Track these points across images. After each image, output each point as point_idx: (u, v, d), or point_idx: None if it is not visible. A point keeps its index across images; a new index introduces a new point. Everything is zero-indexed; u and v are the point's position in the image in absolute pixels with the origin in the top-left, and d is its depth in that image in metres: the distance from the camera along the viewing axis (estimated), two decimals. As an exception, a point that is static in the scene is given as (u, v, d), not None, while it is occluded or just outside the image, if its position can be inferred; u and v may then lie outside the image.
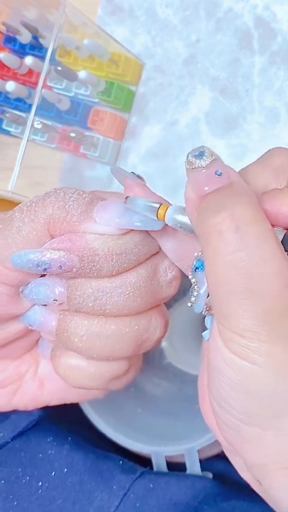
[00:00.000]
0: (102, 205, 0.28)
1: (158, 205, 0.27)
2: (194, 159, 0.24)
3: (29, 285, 0.30)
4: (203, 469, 0.45)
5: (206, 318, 0.27)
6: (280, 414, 0.23)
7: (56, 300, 0.29)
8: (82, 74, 0.50)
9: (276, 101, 0.51)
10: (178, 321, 0.51)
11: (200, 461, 0.45)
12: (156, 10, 0.54)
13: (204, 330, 0.27)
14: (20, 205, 0.29)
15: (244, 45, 0.52)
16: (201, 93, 0.53)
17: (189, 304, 0.27)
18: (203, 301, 0.26)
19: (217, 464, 0.47)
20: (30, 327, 0.32)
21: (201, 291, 0.26)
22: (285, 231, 0.24)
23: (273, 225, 0.25)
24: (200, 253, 0.26)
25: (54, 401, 0.35)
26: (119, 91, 0.53)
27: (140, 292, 0.29)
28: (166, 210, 0.27)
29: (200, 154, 0.24)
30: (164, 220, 0.27)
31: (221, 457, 0.47)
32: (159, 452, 0.45)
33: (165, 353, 0.54)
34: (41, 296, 0.30)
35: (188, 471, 0.44)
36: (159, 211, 0.27)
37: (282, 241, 0.24)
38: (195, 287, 0.27)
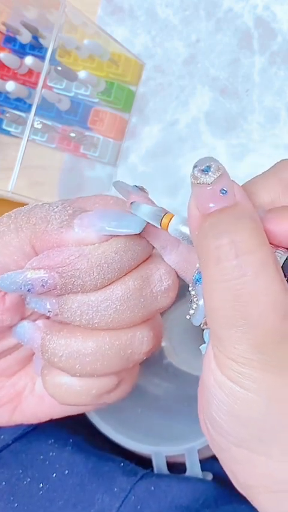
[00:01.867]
0: (84, 215, 0.28)
1: (162, 214, 0.26)
2: (199, 174, 0.23)
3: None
4: (203, 469, 0.45)
5: (204, 331, 0.26)
6: (269, 439, 0.23)
7: (51, 312, 0.29)
8: (82, 74, 0.50)
9: (276, 101, 0.51)
10: (178, 321, 0.51)
11: (200, 461, 0.45)
12: (156, 10, 0.54)
13: (203, 332, 0.27)
14: (10, 212, 0.29)
15: (244, 45, 0.52)
16: (201, 93, 0.53)
17: (187, 316, 0.27)
18: (201, 314, 0.26)
19: (217, 464, 0.47)
20: (22, 343, 0.32)
21: (200, 304, 0.26)
22: None
23: (276, 246, 0.24)
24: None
25: (56, 415, 0.35)
26: (119, 91, 0.53)
27: (129, 305, 0.28)
28: (170, 219, 0.26)
29: (206, 168, 0.23)
30: (167, 229, 0.26)
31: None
32: (159, 452, 0.45)
33: (165, 353, 0.54)
34: (38, 306, 0.30)
35: (188, 471, 0.44)
36: (163, 220, 0.26)
37: (283, 264, 0.23)
38: (195, 299, 0.26)
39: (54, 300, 0.29)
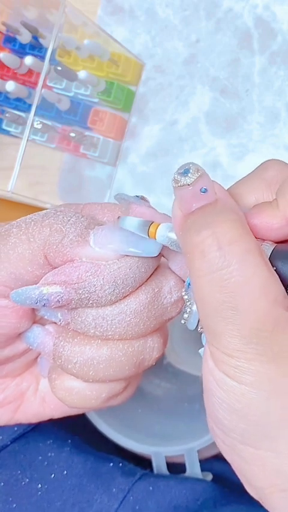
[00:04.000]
0: (99, 229, 0.28)
1: (149, 224, 0.26)
2: (179, 177, 0.23)
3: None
4: (202, 469, 0.45)
5: (202, 335, 0.26)
6: (274, 435, 0.23)
7: (62, 321, 0.30)
8: (82, 74, 0.50)
9: (276, 101, 0.51)
10: (178, 321, 0.51)
11: (200, 461, 0.45)
12: (156, 10, 0.54)
13: (201, 336, 0.27)
14: (18, 220, 0.29)
15: (244, 45, 0.52)
16: (201, 93, 0.53)
17: (182, 321, 0.27)
18: (195, 318, 0.26)
19: (217, 464, 0.47)
20: (31, 348, 0.32)
21: (194, 308, 0.26)
22: (274, 245, 0.24)
23: (262, 239, 0.24)
24: None
25: (57, 415, 0.35)
26: (119, 91, 0.53)
27: (142, 318, 0.28)
28: (157, 228, 0.26)
29: (185, 171, 0.23)
30: (155, 237, 0.26)
31: (221, 457, 0.47)
32: (159, 453, 0.45)
33: (165, 353, 0.54)
34: (49, 315, 0.30)
35: (188, 471, 0.44)
36: (150, 229, 0.26)
37: (271, 256, 0.23)
38: (188, 304, 0.27)
39: (66, 311, 0.29)
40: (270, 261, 0.23)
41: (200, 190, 0.23)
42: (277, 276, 0.23)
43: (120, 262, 0.28)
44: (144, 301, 0.29)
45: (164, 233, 0.26)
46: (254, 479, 0.24)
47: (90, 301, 0.28)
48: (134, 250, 0.27)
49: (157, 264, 0.30)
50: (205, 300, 0.23)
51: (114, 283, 0.27)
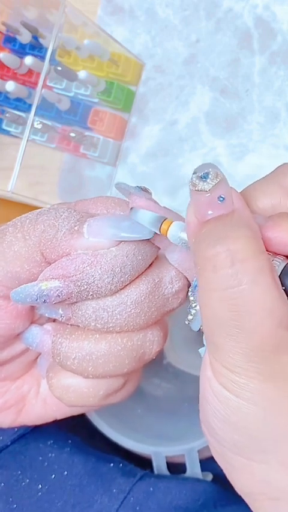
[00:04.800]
0: (92, 220, 0.28)
1: (162, 220, 0.26)
2: (197, 181, 0.23)
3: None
4: (203, 469, 0.45)
5: (204, 335, 0.26)
6: (266, 448, 0.23)
7: (63, 317, 0.29)
8: (82, 74, 0.50)
9: (276, 101, 0.51)
10: (178, 320, 0.51)
11: (200, 461, 0.45)
12: (156, 10, 0.54)
13: (203, 336, 0.27)
14: (14, 220, 0.29)
15: (244, 45, 0.52)
16: (201, 93, 0.53)
17: (186, 322, 0.27)
18: (200, 320, 0.26)
19: (217, 464, 0.47)
20: (30, 348, 0.32)
21: (199, 309, 0.26)
22: (286, 262, 0.24)
23: (274, 253, 0.24)
24: None
25: (59, 416, 0.35)
26: (119, 91, 0.53)
27: (142, 308, 0.28)
28: (169, 225, 0.26)
29: (204, 175, 0.23)
30: (166, 235, 0.26)
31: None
32: (159, 453, 0.45)
33: (165, 353, 0.54)
34: (50, 311, 0.30)
35: (188, 471, 0.44)
36: (162, 225, 0.26)
37: (282, 272, 0.23)
38: (193, 305, 0.26)
39: (66, 306, 0.29)
40: (280, 277, 0.23)
41: (218, 198, 0.23)
42: (285, 297, 0.23)
43: (116, 250, 0.27)
44: (145, 292, 0.28)
45: (176, 232, 0.26)
46: (243, 486, 0.25)
47: (90, 293, 0.28)
48: (127, 234, 0.27)
49: (155, 253, 0.29)
50: (211, 315, 0.23)
51: (112, 272, 0.27)
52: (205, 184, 0.23)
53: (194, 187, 0.23)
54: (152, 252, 0.29)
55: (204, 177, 0.23)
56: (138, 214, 0.27)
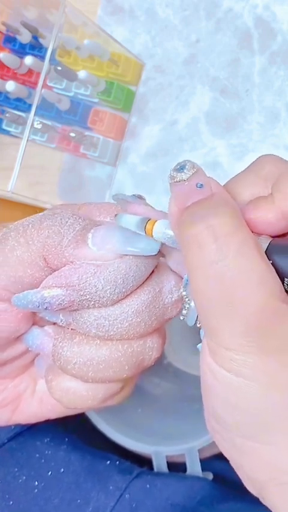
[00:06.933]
0: (97, 230, 0.28)
1: (145, 221, 0.26)
2: (175, 173, 0.23)
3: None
4: (203, 468, 0.45)
5: (200, 330, 0.26)
6: (272, 428, 0.23)
7: (63, 322, 0.30)
8: (82, 74, 0.50)
9: (276, 101, 0.51)
10: (178, 321, 0.51)
11: (201, 460, 0.45)
12: (156, 10, 0.54)
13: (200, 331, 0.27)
14: (16, 223, 0.29)
15: (244, 45, 0.52)
16: (201, 93, 0.53)
17: (181, 317, 0.27)
18: (194, 314, 0.26)
19: (217, 463, 0.47)
20: (30, 349, 0.32)
21: (192, 305, 0.26)
22: (270, 239, 0.24)
23: (259, 234, 0.24)
24: None
25: (54, 416, 0.35)
26: (119, 91, 0.53)
27: (143, 318, 0.29)
28: (153, 224, 0.26)
29: (181, 167, 0.23)
30: (151, 235, 0.26)
31: (221, 456, 0.47)
32: (159, 452, 0.45)
33: (165, 353, 0.54)
34: (50, 316, 0.30)
35: (189, 471, 0.44)
36: (147, 226, 0.26)
37: (267, 250, 0.23)
38: (187, 300, 0.27)
39: (68, 312, 0.29)
40: (266, 255, 0.23)
41: (196, 185, 0.23)
42: (273, 269, 0.23)
43: (119, 262, 0.27)
44: (146, 301, 0.29)
45: (161, 229, 0.26)
46: (252, 473, 0.24)
47: (92, 302, 0.28)
48: (133, 249, 0.27)
49: (157, 262, 0.29)
50: (202, 293, 0.22)
51: (114, 283, 0.27)
52: (183, 174, 0.23)
53: (172, 179, 0.24)
54: (153, 262, 0.29)
55: (181, 169, 0.23)
56: (122, 219, 0.27)
